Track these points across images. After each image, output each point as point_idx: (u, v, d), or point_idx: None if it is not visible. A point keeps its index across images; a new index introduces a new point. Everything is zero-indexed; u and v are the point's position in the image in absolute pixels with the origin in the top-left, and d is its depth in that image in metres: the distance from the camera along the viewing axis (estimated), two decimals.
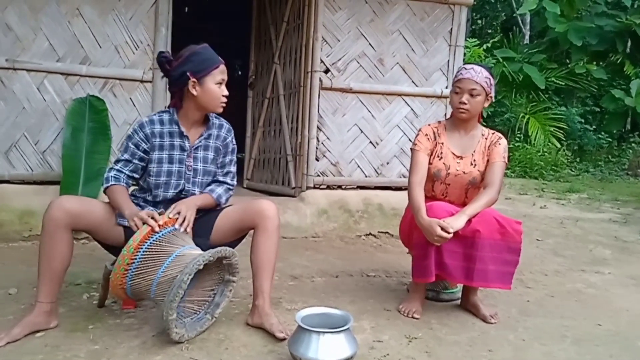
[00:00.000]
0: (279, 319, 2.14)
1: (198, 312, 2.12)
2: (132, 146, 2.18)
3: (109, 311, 2.28)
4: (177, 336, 1.92)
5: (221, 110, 2.22)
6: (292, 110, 4.49)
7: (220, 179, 2.32)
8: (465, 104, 2.43)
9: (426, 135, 2.55)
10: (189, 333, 2.00)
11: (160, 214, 2.05)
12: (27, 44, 3.46)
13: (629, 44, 10.75)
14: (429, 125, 2.62)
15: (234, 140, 2.35)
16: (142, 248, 1.88)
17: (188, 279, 1.82)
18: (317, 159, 4.22)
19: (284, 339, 2.00)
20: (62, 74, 3.55)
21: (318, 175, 4.23)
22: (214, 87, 2.14)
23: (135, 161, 2.19)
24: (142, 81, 3.70)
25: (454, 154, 2.53)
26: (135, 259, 1.88)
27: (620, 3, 11.07)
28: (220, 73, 2.16)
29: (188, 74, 2.11)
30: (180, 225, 2.01)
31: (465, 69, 2.46)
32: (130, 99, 3.71)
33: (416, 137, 2.57)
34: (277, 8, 4.89)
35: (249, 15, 5.53)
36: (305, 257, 3.40)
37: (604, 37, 10.60)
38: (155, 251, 1.91)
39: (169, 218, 2.01)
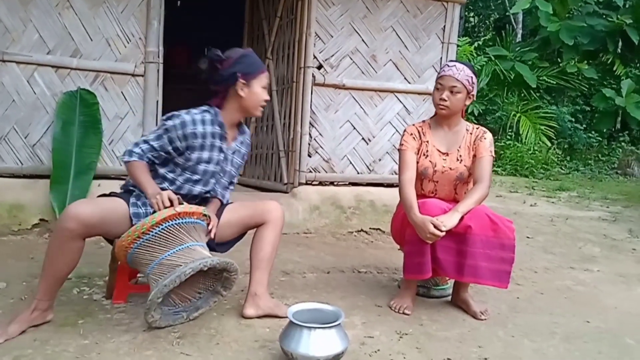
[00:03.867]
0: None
1: (177, 306, 2.12)
2: (166, 139, 2.11)
3: (99, 306, 2.26)
4: (151, 319, 1.95)
5: (260, 114, 2.30)
6: (285, 106, 4.48)
7: (231, 179, 2.41)
8: (445, 100, 2.45)
9: (411, 134, 2.57)
10: (161, 322, 2.02)
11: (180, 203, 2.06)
12: (16, 35, 3.41)
13: (620, 43, 10.83)
14: (413, 125, 2.65)
15: None
16: (162, 225, 1.92)
17: (190, 273, 1.86)
18: (309, 155, 4.21)
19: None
20: (52, 66, 3.50)
21: (310, 172, 4.22)
22: (260, 90, 2.21)
23: (162, 153, 2.14)
24: (133, 75, 3.67)
25: (439, 151, 2.55)
26: (152, 232, 1.91)
27: (611, 3, 11.14)
28: (265, 77, 2.24)
29: (238, 74, 2.14)
30: (210, 229, 2.13)
31: (448, 66, 2.49)
32: (122, 92, 3.67)
33: (402, 137, 2.59)
34: (270, 3, 4.87)
35: (241, 9, 5.50)
36: (297, 253, 3.40)
37: (595, 37, 10.66)
38: (172, 234, 1.95)
39: (200, 212, 2.05)
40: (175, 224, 1.95)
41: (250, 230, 2.33)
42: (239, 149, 2.35)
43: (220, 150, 2.22)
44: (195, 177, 2.19)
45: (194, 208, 2.04)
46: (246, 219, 2.29)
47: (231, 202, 2.37)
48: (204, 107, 2.20)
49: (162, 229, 1.92)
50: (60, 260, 1.94)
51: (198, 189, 2.21)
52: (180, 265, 1.88)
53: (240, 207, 2.32)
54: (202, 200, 2.28)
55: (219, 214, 2.27)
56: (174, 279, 1.84)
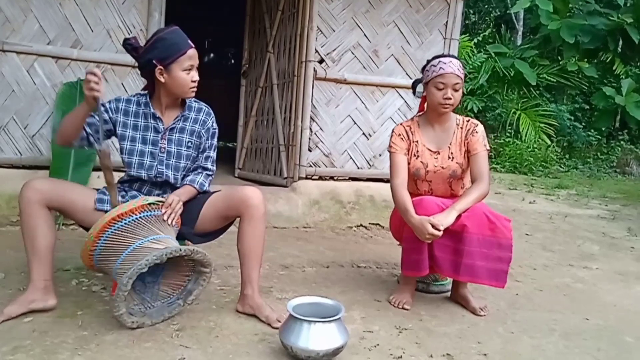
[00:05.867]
0: (271, 307, 2.15)
1: (171, 296, 2.11)
2: (102, 109, 2.12)
3: (98, 297, 2.26)
4: (135, 325, 1.94)
5: (192, 95, 2.17)
6: (286, 100, 4.46)
7: (202, 164, 2.28)
8: (450, 99, 2.40)
9: (399, 135, 2.52)
10: (154, 319, 2.00)
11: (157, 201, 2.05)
12: (17, 25, 3.39)
13: (620, 42, 10.84)
14: (401, 124, 2.58)
15: (214, 123, 2.30)
16: (102, 237, 1.90)
17: (129, 283, 1.80)
18: (309, 150, 4.20)
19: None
20: (52, 57, 3.48)
21: (310, 166, 4.22)
22: (181, 74, 2.08)
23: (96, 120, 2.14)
24: (134, 66, 3.64)
25: (430, 151, 2.51)
26: (96, 247, 1.90)
27: (612, 2, 11.13)
28: (187, 59, 2.08)
29: (154, 61, 2.06)
30: (165, 214, 2.02)
31: (445, 62, 2.40)
32: (122, 84, 3.65)
33: (390, 139, 2.54)
34: None
35: (243, 3, 5.48)
36: (296, 247, 3.40)
37: (596, 35, 10.68)
38: (115, 241, 1.91)
39: (139, 206, 1.96)
40: (115, 229, 1.89)
41: (232, 220, 2.24)
42: (184, 127, 2.21)
43: (156, 130, 2.18)
44: (134, 158, 2.17)
45: (130, 205, 1.94)
46: (223, 211, 2.17)
47: (217, 191, 2.27)
48: (140, 92, 2.26)
49: (103, 240, 1.89)
50: (33, 233, 1.98)
51: (143, 173, 2.18)
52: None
53: (217, 200, 2.20)
54: (164, 185, 2.22)
55: (199, 202, 2.19)
56: (117, 292, 1.81)
